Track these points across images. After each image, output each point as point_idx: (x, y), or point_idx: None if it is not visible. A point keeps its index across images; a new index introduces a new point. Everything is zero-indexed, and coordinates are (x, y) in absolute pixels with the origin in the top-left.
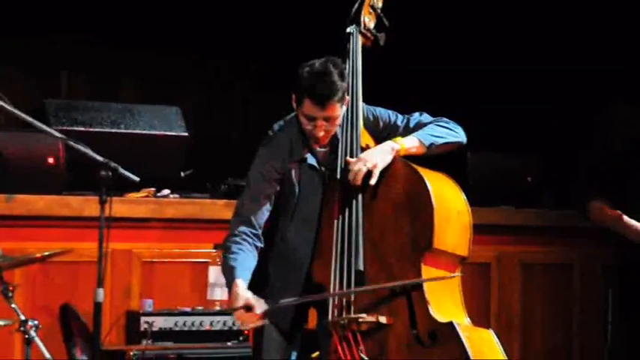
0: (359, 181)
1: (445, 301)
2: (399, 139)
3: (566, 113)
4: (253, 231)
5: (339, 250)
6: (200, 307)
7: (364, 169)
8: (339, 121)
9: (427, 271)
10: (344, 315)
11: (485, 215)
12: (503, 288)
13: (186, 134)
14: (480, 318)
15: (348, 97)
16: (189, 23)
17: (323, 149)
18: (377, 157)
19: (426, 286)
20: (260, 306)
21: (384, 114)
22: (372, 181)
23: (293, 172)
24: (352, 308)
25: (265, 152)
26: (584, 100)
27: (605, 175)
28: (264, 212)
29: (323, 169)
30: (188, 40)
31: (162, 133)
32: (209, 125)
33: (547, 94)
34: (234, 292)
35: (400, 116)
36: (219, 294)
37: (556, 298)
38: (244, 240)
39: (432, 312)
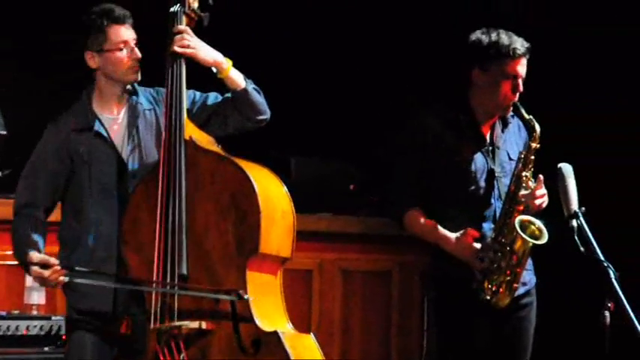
0: (178, 43)
1: (269, 307)
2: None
3: (386, 121)
4: (36, 204)
5: (162, 250)
6: (16, 311)
7: (186, 42)
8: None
9: (251, 275)
10: (165, 322)
11: (306, 222)
12: (324, 295)
13: (4, 132)
14: (301, 325)
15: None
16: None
17: (114, 119)
18: (202, 45)
19: (250, 292)
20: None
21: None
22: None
23: (80, 141)
24: (174, 313)
25: (47, 131)
26: (400, 106)
27: (419, 182)
28: (47, 188)
29: (114, 140)
30: None
31: None
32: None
33: (370, 101)
34: (29, 262)
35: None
36: (37, 298)
37: (375, 305)
38: (28, 216)
39: (255, 320)
